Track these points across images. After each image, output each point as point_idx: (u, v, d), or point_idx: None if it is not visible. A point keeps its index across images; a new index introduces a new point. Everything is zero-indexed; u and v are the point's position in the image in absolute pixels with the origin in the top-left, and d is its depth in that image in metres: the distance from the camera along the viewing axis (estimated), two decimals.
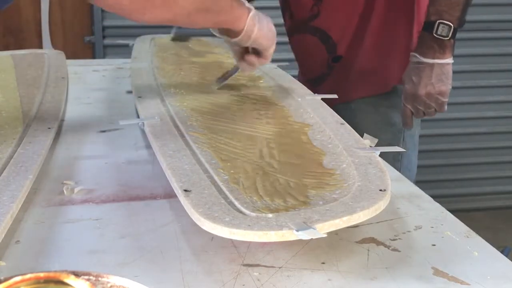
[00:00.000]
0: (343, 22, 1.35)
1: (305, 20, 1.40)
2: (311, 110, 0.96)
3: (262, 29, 0.98)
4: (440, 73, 1.19)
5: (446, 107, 1.22)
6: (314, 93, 1.19)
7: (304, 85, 1.34)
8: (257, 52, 1.03)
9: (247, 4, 0.98)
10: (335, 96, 1.09)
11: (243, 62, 1.05)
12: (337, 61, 1.38)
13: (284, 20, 1.49)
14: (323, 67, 1.41)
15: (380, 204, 0.66)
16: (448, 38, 1.16)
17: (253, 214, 0.63)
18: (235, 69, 1.12)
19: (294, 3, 1.44)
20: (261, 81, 1.18)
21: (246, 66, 1.06)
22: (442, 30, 1.16)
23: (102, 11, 2.57)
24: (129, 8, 0.84)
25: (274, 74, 1.22)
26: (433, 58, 1.18)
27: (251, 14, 0.97)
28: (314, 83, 1.41)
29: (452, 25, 1.16)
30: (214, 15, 0.93)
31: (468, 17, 1.23)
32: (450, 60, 1.19)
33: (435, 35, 1.16)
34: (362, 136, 0.84)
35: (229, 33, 0.99)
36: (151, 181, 0.81)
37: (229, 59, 1.27)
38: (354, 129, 0.87)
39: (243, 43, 1.00)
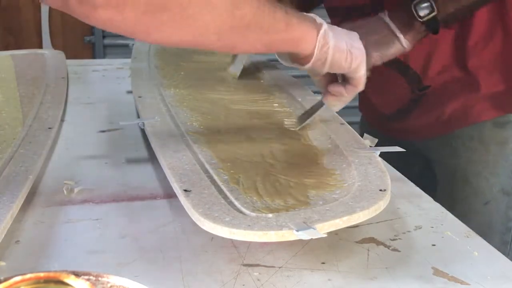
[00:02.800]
0: (426, 46, 1.06)
1: None
2: None
3: (340, 49, 0.78)
4: (377, 35, 0.96)
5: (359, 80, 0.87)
6: (389, 131, 1.13)
7: (373, 122, 1.24)
8: (346, 79, 0.85)
9: (318, 19, 0.77)
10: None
11: (327, 94, 0.87)
12: (424, 92, 1.12)
13: None
14: (403, 100, 1.16)
15: (380, 204, 0.66)
16: (420, 20, 0.96)
17: (253, 214, 0.63)
18: (320, 104, 0.89)
19: None
20: (261, 81, 1.18)
21: (332, 100, 0.87)
22: (422, 8, 0.96)
23: None
24: (125, 26, 0.63)
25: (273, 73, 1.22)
26: (390, 18, 0.97)
27: (321, 31, 0.76)
28: (391, 118, 1.19)
29: (434, 13, 0.96)
30: (261, 35, 0.71)
31: None
32: (398, 41, 0.96)
33: (412, 6, 0.96)
34: (362, 136, 0.84)
35: (297, 58, 0.79)
36: (151, 181, 0.81)
37: (229, 59, 1.26)
38: (456, 172, 0.81)
39: (319, 70, 0.80)
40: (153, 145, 0.85)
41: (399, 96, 1.16)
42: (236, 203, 0.65)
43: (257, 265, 0.61)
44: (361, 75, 0.83)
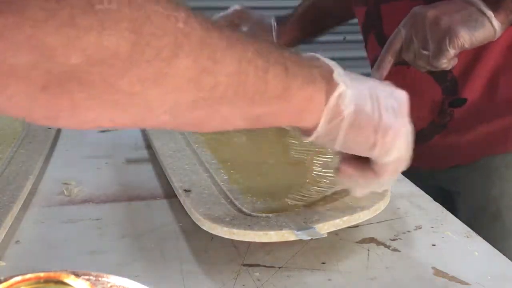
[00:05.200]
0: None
1: None
2: None
3: (362, 122, 0.55)
4: (467, 15, 0.79)
5: (445, 60, 0.78)
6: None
7: None
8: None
9: (331, 64, 0.55)
10: None
11: (338, 172, 0.62)
12: (458, 105, 0.95)
13: (366, 47, 1.05)
14: (433, 113, 0.97)
15: (380, 204, 0.66)
16: None
17: (253, 214, 0.63)
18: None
19: (389, 20, 0.98)
20: None
21: (345, 181, 0.63)
22: None
23: None
24: (14, 108, 0.39)
25: None
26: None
27: (335, 93, 0.53)
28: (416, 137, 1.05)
29: None
30: (242, 108, 0.49)
31: None
32: (488, 20, 0.79)
33: None
34: None
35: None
36: (151, 181, 0.81)
37: None
38: (486, 206, 0.75)
39: (328, 146, 0.57)
40: (153, 145, 0.85)
41: (429, 108, 0.97)
42: (236, 203, 0.65)
43: (257, 265, 0.61)
44: (390, 161, 0.58)
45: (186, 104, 0.46)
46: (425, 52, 0.80)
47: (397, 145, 0.57)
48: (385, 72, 0.83)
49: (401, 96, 0.58)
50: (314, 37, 1.24)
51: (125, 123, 0.45)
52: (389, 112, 0.56)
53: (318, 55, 0.56)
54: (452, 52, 0.78)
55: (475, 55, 0.91)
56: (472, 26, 0.78)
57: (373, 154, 0.57)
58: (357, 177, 0.61)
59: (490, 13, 0.79)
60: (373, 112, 0.55)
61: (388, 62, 0.83)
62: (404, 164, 0.60)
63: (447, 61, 0.79)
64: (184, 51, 0.42)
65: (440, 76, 0.93)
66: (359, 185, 0.62)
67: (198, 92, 0.45)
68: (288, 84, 0.50)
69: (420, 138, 0.88)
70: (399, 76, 0.90)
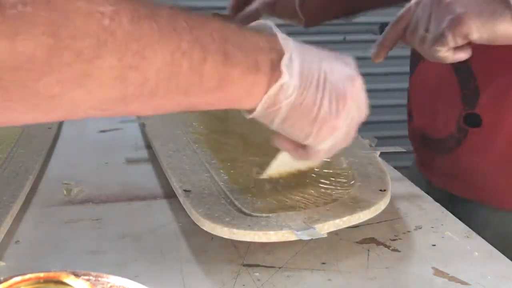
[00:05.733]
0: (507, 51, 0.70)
1: None
2: None
3: (299, 113, 0.55)
4: (485, 1, 0.65)
5: (443, 47, 0.67)
6: (438, 172, 0.88)
7: (418, 147, 0.94)
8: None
9: (285, 45, 0.53)
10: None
11: (274, 139, 0.62)
12: (472, 125, 0.82)
13: None
14: (450, 124, 0.85)
15: (380, 204, 0.66)
16: None
17: (253, 214, 0.63)
18: None
19: None
20: None
21: (285, 149, 0.63)
22: None
23: None
24: None
25: None
26: None
27: (276, 84, 0.52)
28: (436, 147, 0.89)
29: None
30: (178, 99, 0.49)
31: None
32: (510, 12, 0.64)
33: None
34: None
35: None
36: (151, 181, 0.81)
37: None
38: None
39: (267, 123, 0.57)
40: (153, 145, 0.85)
41: (448, 113, 0.85)
42: (236, 203, 0.65)
43: (257, 265, 0.61)
44: (323, 148, 0.58)
45: (115, 101, 0.45)
46: (426, 34, 0.68)
47: (333, 136, 0.57)
48: (383, 52, 0.74)
49: (354, 77, 0.57)
50: (344, 16, 1.02)
51: (51, 120, 0.45)
52: (332, 104, 0.55)
53: (276, 31, 0.54)
54: (451, 40, 0.65)
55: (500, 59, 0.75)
56: (487, 15, 0.64)
57: (306, 142, 0.57)
58: (289, 151, 0.61)
59: None
60: (313, 104, 0.54)
61: (390, 41, 0.73)
62: (341, 146, 0.60)
63: (446, 50, 0.66)
64: (108, 50, 0.41)
65: (465, 78, 0.80)
66: (293, 156, 0.62)
67: (126, 89, 0.44)
68: (226, 74, 0.49)
69: (441, 147, 0.86)
70: (421, 73, 0.85)
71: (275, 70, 0.52)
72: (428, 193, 0.76)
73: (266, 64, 0.52)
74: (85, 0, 0.40)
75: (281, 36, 0.54)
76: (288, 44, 0.54)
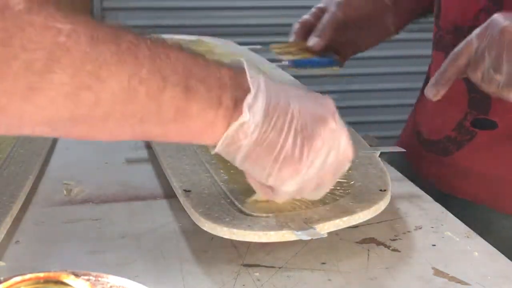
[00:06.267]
0: None
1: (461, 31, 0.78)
2: None
3: (260, 153, 0.54)
4: None
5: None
6: (429, 172, 0.86)
7: (411, 153, 0.89)
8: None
9: (252, 84, 0.52)
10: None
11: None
12: (484, 128, 0.80)
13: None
14: (448, 127, 0.85)
15: (381, 204, 0.66)
16: None
17: (253, 214, 0.62)
18: None
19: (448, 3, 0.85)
20: None
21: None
22: None
23: (102, 10, 2.57)
24: None
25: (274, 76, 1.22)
26: None
27: (236, 123, 0.52)
28: (435, 147, 0.88)
29: None
30: (131, 125, 0.48)
31: None
32: None
33: None
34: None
35: None
36: (151, 181, 0.81)
37: (229, 59, 1.26)
38: None
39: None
40: (153, 145, 0.85)
41: (455, 110, 0.83)
42: (236, 203, 0.65)
43: (257, 265, 0.61)
44: (287, 190, 0.57)
45: (65, 120, 0.44)
46: (497, 76, 0.65)
47: (295, 180, 0.55)
48: (443, 90, 0.69)
49: (326, 119, 0.54)
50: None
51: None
52: (296, 146, 0.53)
53: (246, 68, 0.53)
54: None
55: None
56: None
57: (268, 183, 0.56)
58: (256, 188, 0.60)
59: None
60: (276, 144, 0.53)
61: (448, 79, 0.69)
62: (313, 192, 0.58)
63: None
64: (61, 66, 0.41)
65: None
66: (260, 193, 0.61)
67: (77, 108, 0.43)
68: (185, 107, 0.49)
69: (440, 148, 0.85)
70: (437, 63, 0.80)
71: (237, 108, 0.51)
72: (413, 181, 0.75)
73: (229, 101, 0.51)
74: (44, 15, 0.40)
75: (250, 74, 0.53)
76: (255, 82, 0.53)
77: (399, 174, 0.85)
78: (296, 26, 0.92)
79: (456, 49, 0.68)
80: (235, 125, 0.51)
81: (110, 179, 0.82)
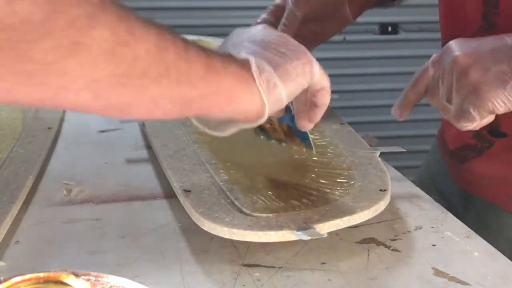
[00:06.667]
0: None
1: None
2: None
3: (286, 68, 0.57)
4: (502, 65, 0.64)
5: (469, 123, 0.66)
6: (459, 178, 0.87)
7: (446, 156, 0.92)
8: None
9: (241, 54, 0.57)
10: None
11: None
12: (498, 136, 0.80)
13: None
14: (469, 134, 0.84)
15: (381, 204, 0.66)
16: None
17: (253, 214, 0.63)
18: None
19: (449, 17, 0.85)
20: None
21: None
22: None
23: None
24: None
25: None
26: None
27: (253, 66, 0.55)
28: (457, 156, 0.89)
29: None
30: (169, 87, 0.49)
31: None
32: None
33: None
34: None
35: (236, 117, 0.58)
36: (151, 181, 0.81)
37: None
38: None
39: (277, 112, 0.62)
40: (153, 145, 0.85)
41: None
42: (236, 203, 0.65)
43: (257, 265, 0.61)
44: (326, 84, 0.61)
45: (107, 80, 0.44)
46: (448, 106, 0.67)
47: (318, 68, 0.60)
48: (405, 112, 0.72)
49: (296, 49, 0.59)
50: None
51: (43, 97, 0.43)
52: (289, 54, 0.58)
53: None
54: (477, 117, 0.64)
55: None
56: (511, 88, 0.63)
57: (314, 81, 0.60)
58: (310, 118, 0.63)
59: None
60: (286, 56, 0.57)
61: (410, 102, 0.72)
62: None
63: (471, 125, 0.65)
64: (101, 23, 0.42)
65: None
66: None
67: (117, 66, 0.44)
68: (210, 63, 0.51)
69: (461, 155, 0.87)
70: None
71: (241, 59, 0.55)
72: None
73: (238, 63, 0.55)
74: None
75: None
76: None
77: (399, 174, 0.85)
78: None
79: (415, 75, 0.71)
80: (253, 65, 0.55)
81: (110, 179, 0.82)
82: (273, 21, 0.91)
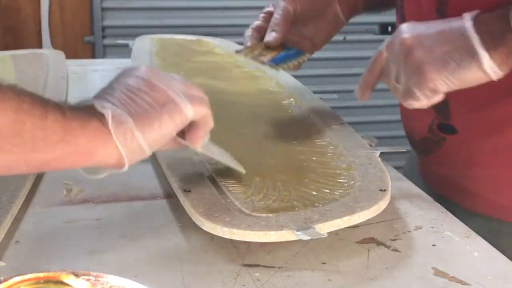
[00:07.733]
0: None
1: None
2: (311, 111, 0.96)
3: (148, 117, 0.58)
4: (447, 46, 0.65)
5: (413, 101, 0.68)
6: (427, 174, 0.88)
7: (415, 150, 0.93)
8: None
9: (97, 104, 0.58)
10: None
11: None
12: (447, 132, 0.82)
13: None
14: (424, 129, 0.86)
15: (380, 204, 0.66)
16: None
17: (253, 214, 0.63)
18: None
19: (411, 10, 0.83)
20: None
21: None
22: None
23: (102, 10, 2.57)
24: None
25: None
26: (473, 23, 0.65)
27: (108, 118, 0.56)
28: (420, 149, 0.90)
29: None
30: (22, 154, 0.52)
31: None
32: (476, 61, 0.64)
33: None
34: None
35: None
36: (151, 181, 0.81)
37: (230, 59, 1.26)
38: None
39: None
40: None
41: (423, 120, 0.85)
42: (236, 203, 0.65)
43: (257, 265, 0.61)
44: (206, 113, 0.63)
45: None
46: (397, 85, 0.70)
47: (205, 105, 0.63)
48: (367, 93, 0.76)
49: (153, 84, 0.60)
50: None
51: None
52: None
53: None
54: (420, 96, 0.67)
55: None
56: (452, 68, 0.65)
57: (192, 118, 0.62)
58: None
59: (482, 54, 0.64)
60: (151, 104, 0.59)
61: (369, 84, 0.75)
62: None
63: (416, 103, 0.68)
64: None
65: None
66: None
67: None
68: (69, 126, 0.53)
69: (423, 148, 0.87)
70: None
71: (96, 112, 0.57)
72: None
73: (95, 119, 0.56)
74: None
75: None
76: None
77: (399, 174, 0.85)
78: (248, 32, 0.93)
79: (371, 58, 0.73)
80: (109, 117, 0.56)
81: (110, 179, 0.82)
82: (265, 26, 0.92)
